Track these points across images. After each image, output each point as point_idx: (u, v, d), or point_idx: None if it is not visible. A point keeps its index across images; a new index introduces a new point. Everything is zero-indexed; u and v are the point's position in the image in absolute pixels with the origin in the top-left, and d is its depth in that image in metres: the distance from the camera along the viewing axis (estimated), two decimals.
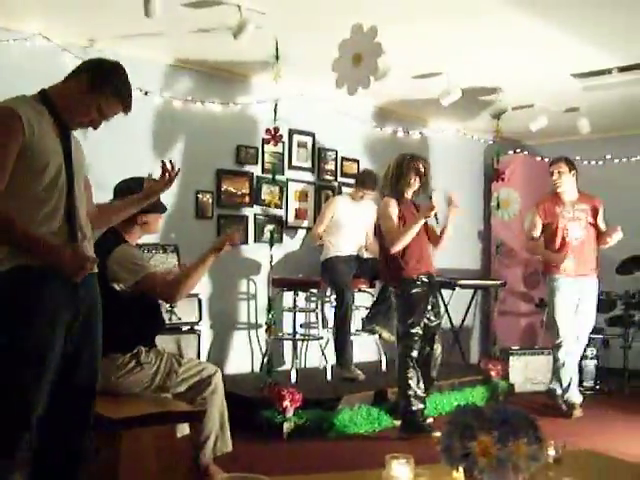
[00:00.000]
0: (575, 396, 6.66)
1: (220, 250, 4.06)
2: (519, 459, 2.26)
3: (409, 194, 5.81)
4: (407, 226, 5.62)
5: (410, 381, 5.60)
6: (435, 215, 5.59)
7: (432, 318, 5.79)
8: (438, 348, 5.87)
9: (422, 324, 5.69)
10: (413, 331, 5.63)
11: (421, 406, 5.64)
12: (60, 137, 3.02)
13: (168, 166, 3.49)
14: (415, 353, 5.65)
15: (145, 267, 4.01)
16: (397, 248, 5.60)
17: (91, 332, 3.15)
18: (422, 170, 5.79)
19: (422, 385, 5.67)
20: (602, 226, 6.67)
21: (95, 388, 3.21)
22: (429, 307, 5.76)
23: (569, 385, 6.61)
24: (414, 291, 5.65)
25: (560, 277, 6.52)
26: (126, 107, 3.18)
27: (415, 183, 5.78)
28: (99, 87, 3.07)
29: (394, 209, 5.68)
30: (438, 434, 2.40)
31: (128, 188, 4.09)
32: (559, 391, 6.66)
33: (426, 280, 5.71)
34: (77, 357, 3.07)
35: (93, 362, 3.18)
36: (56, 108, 3.05)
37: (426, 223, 5.76)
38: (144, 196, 3.54)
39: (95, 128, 3.17)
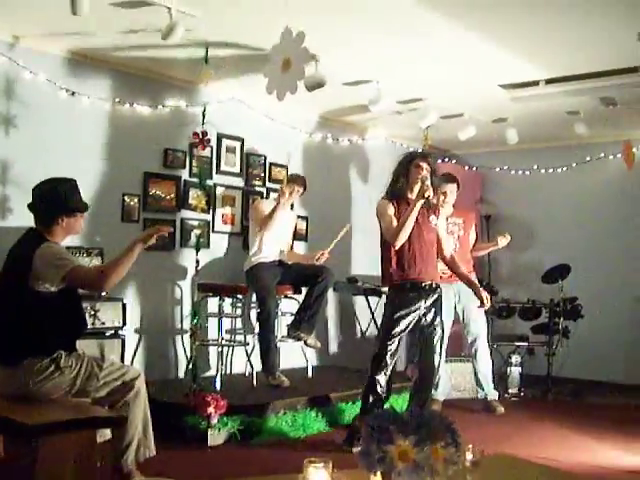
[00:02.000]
0: (492, 393, 7.19)
1: (146, 242, 4.00)
2: (436, 462, 2.26)
3: (412, 195, 5.39)
4: (403, 217, 5.24)
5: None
6: (427, 197, 5.13)
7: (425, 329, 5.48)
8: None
9: (397, 340, 5.36)
10: (389, 346, 5.33)
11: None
12: None
13: None
14: (383, 378, 5.38)
15: (70, 261, 3.93)
16: (399, 242, 5.22)
17: None
18: (426, 168, 5.37)
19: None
20: (472, 237, 7.30)
21: None
22: (420, 320, 5.43)
23: (437, 383, 6.83)
24: (399, 299, 5.37)
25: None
26: None
27: (418, 183, 5.28)
28: None
29: (390, 209, 5.35)
30: None
31: (54, 190, 4.03)
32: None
33: (416, 289, 5.38)
34: None
35: None
36: None
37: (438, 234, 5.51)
38: None
39: None
